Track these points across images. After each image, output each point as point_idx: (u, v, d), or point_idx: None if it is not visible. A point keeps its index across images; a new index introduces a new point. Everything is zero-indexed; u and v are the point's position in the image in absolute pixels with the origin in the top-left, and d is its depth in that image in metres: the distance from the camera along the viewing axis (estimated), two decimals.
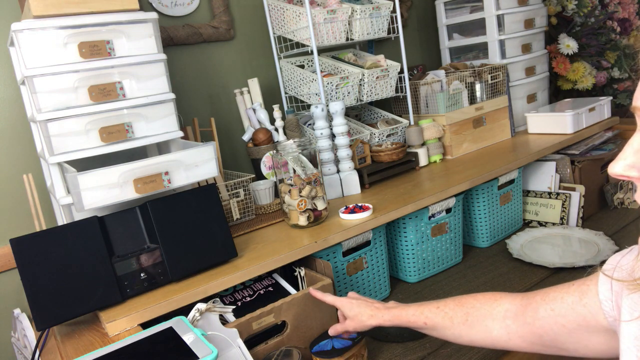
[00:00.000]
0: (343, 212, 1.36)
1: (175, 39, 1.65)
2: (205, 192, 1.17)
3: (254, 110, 1.67)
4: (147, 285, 1.09)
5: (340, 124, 1.56)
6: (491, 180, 1.62)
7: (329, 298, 1.06)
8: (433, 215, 1.49)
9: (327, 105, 1.56)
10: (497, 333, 0.80)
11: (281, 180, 1.36)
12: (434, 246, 1.50)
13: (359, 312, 0.99)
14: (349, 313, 1.01)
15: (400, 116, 1.89)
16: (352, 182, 1.58)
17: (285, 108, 1.82)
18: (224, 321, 1.08)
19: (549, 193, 1.77)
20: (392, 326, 0.96)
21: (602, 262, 0.68)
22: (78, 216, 1.13)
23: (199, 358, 0.82)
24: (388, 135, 1.79)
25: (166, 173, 1.12)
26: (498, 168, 1.61)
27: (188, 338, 0.89)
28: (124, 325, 1.00)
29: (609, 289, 0.65)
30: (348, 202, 1.49)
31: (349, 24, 1.71)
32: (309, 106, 1.76)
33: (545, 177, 1.81)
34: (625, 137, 2.05)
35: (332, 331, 1.05)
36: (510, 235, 1.69)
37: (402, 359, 1.13)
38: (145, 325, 1.00)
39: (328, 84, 1.63)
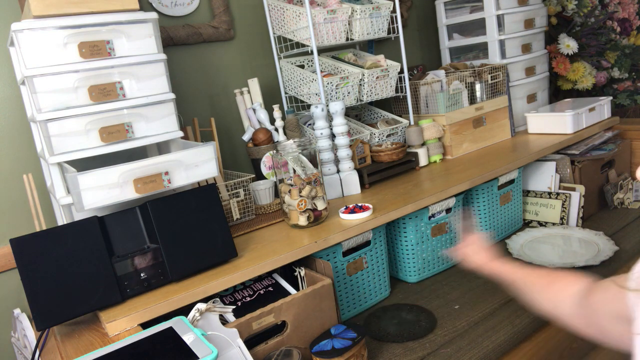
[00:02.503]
0: (343, 212, 1.36)
1: (175, 39, 1.65)
2: (205, 192, 1.17)
3: (254, 110, 1.67)
4: (147, 285, 1.09)
5: (340, 124, 1.56)
6: (491, 180, 1.62)
7: (471, 238, 1.16)
8: (433, 215, 1.49)
9: (327, 105, 1.56)
10: (568, 311, 0.86)
11: (281, 180, 1.36)
12: (434, 246, 1.50)
13: (489, 256, 1.09)
14: (482, 239, 1.13)
15: (400, 116, 1.89)
16: (352, 182, 1.58)
17: (285, 108, 1.82)
18: (224, 321, 1.08)
19: (549, 193, 1.77)
20: (495, 277, 1.06)
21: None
22: (78, 216, 1.13)
23: (199, 358, 0.82)
24: (388, 135, 1.79)
25: (166, 173, 1.12)
26: (498, 168, 1.61)
27: (188, 338, 0.89)
28: (124, 325, 1.00)
29: (633, 297, 0.69)
30: (348, 202, 1.49)
31: (349, 24, 1.71)
32: (309, 106, 1.76)
33: (545, 177, 1.81)
34: (625, 137, 2.05)
35: (462, 255, 1.15)
36: (510, 235, 1.69)
37: (402, 359, 1.13)
38: (145, 325, 1.00)
39: (328, 84, 1.63)
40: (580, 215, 1.71)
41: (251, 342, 1.06)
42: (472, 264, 1.12)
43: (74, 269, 1.01)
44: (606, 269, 1.42)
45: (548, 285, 0.91)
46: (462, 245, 1.17)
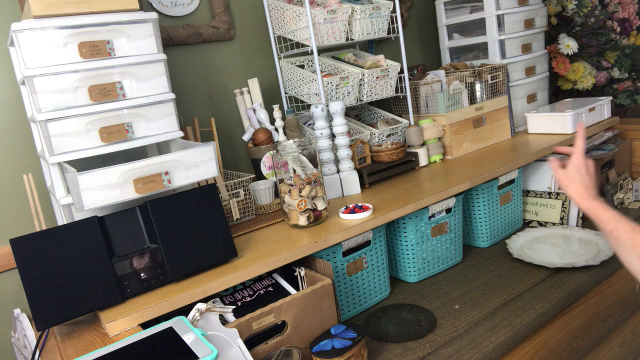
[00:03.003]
0: (343, 212, 1.36)
1: (175, 39, 1.65)
2: (205, 192, 1.17)
3: (254, 110, 1.67)
4: (147, 285, 1.09)
5: (340, 124, 1.56)
6: (491, 180, 1.62)
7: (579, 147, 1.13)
8: (433, 215, 1.49)
9: (327, 105, 1.56)
10: None
11: (281, 180, 1.36)
12: (434, 246, 1.50)
13: (585, 185, 1.08)
14: (584, 177, 1.09)
15: (400, 116, 1.89)
16: (352, 182, 1.58)
17: (285, 108, 1.82)
18: (224, 321, 1.08)
19: (549, 193, 1.77)
20: (584, 213, 1.07)
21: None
22: (78, 216, 1.13)
23: (199, 358, 0.82)
24: (388, 135, 1.79)
25: (166, 173, 1.12)
26: (498, 168, 1.61)
27: (188, 338, 0.89)
28: (124, 325, 1.00)
29: None
30: (348, 202, 1.49)
31: (349, 24, 1.71)
32: (309, 106, 1.76)
33: (545, 177, 1.81)
34: (625, 137, 2.05)
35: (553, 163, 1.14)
36: (510, 235, 1.69)
37: (402, 359, 1.13)
38: (145, 325, 1.00)
39: (328, 84, 1.63)
40: (580, 215, 1.71)
41: (251, 342, 1.06)
42: (568, 194, 1.10)
43: (74, 269, 1.01)
44: (606, 269, 1.42)
45: (635, 246, 0.91)
46: (565, 166, 1.13)
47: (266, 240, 1.30)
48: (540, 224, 1.77)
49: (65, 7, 1.09)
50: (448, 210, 1.52)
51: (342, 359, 1.02)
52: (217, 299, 1.10)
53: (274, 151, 1.41)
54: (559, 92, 2.34)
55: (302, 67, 1.85)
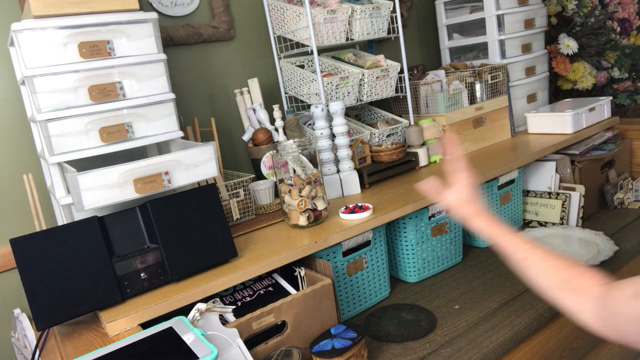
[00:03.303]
0: (343, 212, 1.36)
1: (175, 39, 1.65)
2: (205, 192, 1.17)
3: (254, 110, 1.67)
4: (147, 285, 1.09)
5: (340, 124, 1.56)
6: (491, 180, 1.62)
7: (458, 152, 0.99)
8: (433, 215, 1.49)
9: (327, 105, 1.56)
10: (584, 308, 0.81)
11: (281, 180, 1.36)
12: (434, 246, 1.50)
13: (472, 201, 0.95)
14: (463, 190, 0.96)
15: (400, 116, 1.89)
16: (352, 182, 1.58)
17: (285, 108, 1.82)
18: (224, 321, 1.08)
19: (549, 193, 1.77)
20: (485, 238, 0.91)
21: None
22: (78, 216, 1.13)
23: (199, 358, 0.82)
24: (388, 135, 1.79)
25: (166, 173, 1.12)
26: (498, 168, 1.61)
27: (188, 338, 0.89)
28: (124, 325, 1.00)
29: None
30: (348, 202, 1.49)
31: (349, 24, 1.71)
32: (309, 106, 1.76)
33: (545, 177, 1.81)
34: (625, 137, 2.05)
35: (424, 185, 0.99)
36: None
37: (402, 359, 1.13)
38: (145, 325, 1.00)
39: (328, 84, 1.63)
40: (580, 215, 1.71)
41: (251, 342, 1.06)
42: (459, 217, 0.94)
43: (74, 269, 1.01)
44: (606, 269, 1.42)
45: (564, 286, 0.82)
46: (446, 190, 0.98)
47: (266, 240, 1.30)
48: (540, 224, 1.77)
49: (65, 7, 1.09)
50: None
51: (342, 359, 1.02)
52: (217, 299, 1.10)
53: (274, 151, 1.41)
54: (559, 92, 2.34)
55: (302, 67, 1.85)
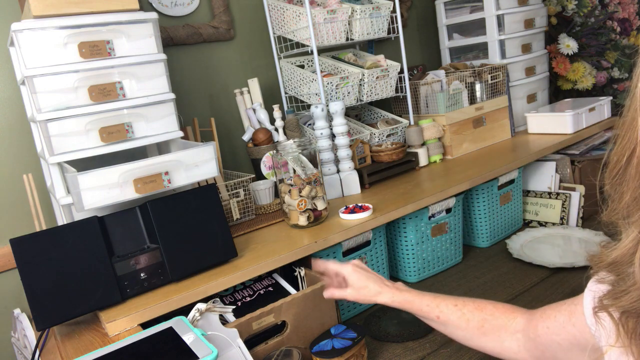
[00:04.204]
0: (343, 212, 1.36)
1: (175, 39, 1.65)
2: (205, 192, 1.17)
3: (254, 110, 1.67)
4: (147, 285, 1.09)
5: (340, 124, 1.56)
6: (491, 180, 1.62)
7: (332, 265, 1.02)
8: (433, 215, 1.49)
9: (327, 105, 1.56)
10: (508, 345, 0.81)
11: (281, 180, 1.36)
12: (434, 246, 1.50)
13: (367, 286, 0.95)
14: (355, 283, 0.97)
15: (400, 116, 1.89)
16: (352, 182, 1.58)
17: (285, 108, 1.82)
18: (224, 321, 1.08)
19: (549, 193, 1.77)
20: (399, 309, 0.93)
21: (587, 278, 0.67)
22: (78, 216, 1.13)
23: (199, 358, 0.82)
24: (388, 135, 1.79)
25: (166, 173, 1.12)
26: (498, 168, 1.61)
27: (188, 338, 0.89)
28: (124, 325, 1.00)
29: (591, 314, 0.65)
30: (348, 202, 1.49)
31: (349, 24, 1.71)
32: (309, 106, 1.76)
33: (545, 177, 1.81)
34: None
35: (327, 294, 1.00)
36: (510, 235, 1.69)
37: (402, 359, 1.13)
38: (145, 325, 1.00)
39: (328, 84, 1.63)
40: (580, 215, 1.71)
41: (251, 342, 1.06)
42: (373, 300, 0.96)
43: (74, 269, 1.01)
44: None
45: (480, 331, 0.82)
46: (343, 284, 1.00)
47: (266, 240, 1.30)
48: (540, 224, 1.77)
49: (65, 7, 1.09)
50: (448, 210, 1.52)
51: (342, 359, 1.02)
52: (217, 299, 1.10)
53: (274, 151, 1.41)
54: (559, 92, 2.34)
55: (302, 67, 1.85)
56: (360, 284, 0.97)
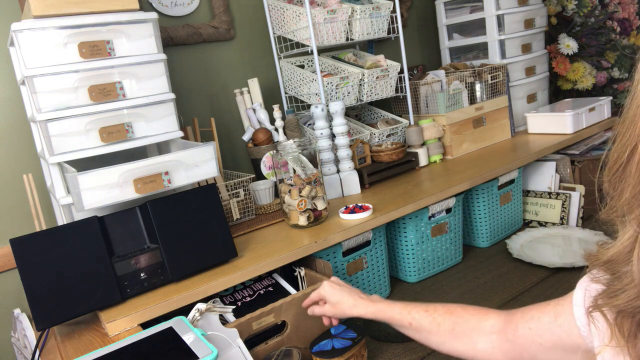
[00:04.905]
0: (343, 212, 1.36)
1: (175, 39, 1.65)
2: (205, 192, 1.17)
3: (254, 110, 1.67)
4: (147, 285, 1.09)
5: (340, 124, 1.56)
6: (491, 180, 1.62)
7: (313, 294, 1.05)
8: (433, 215, 1.49)
9: (327, 105, 1.56)
10: (482, 346, 0.80)
11: (281, 180, 1.36)
12: (434, 246, 1.50)
13: (341, 300, 0.98)
14: (330, 298, 1.00)
15: (400, 116, 1.89)
16: (352, 182, 1.58)
17: (285, 108, 1.82)
18: (224, 321, 1.08)
19: (549, 193, 1.77)
20: (375, 319, 0.95)
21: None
22: (78, 216, 1.13)
23: (199, 358, 0.82)
24: (388, 135, 1.79)
25: (166, 173, 1.12)
26: (498, 168, 1.61)
27: (188, 338, 0.89)
28: (124, 325, 1.00)
29: (583, 314, 0.64)
30: (348, 202, 1.49)
31: (349, 24, 1.71)
32: (309, 106, 1.76)
33: (545, 177, 1.81)
34: None
35: (310, 311, 1.04)
36: (510, 235, 1.69)
37: (402, 359, 1.13)
38: (145, 325, 1.00)
39: (328, 84, 1.63)
40: (580, 215, 1.71)
41: (251, 342, 1.06)
42: (350, 313, 0.98)
43: (74, 269, 1.01)
44: None
45: (452, 335, 0.82)
46: (321, 306, 1.03)
47: (266, 240, 1.30)
48: (540, 224, 1.77)
49: (65, 7, 1.09)
50: (448, 210, 1.52)
51: (342, 359, 1.02)
52: (217, 299, 1.10)
53: (274, 151, 1.41)
54: (559, 92, 2.34)
55: (302, 67, 1.85)
56: (335, 299, 1.00)
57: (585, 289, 0.64)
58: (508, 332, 0.76)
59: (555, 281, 1.37)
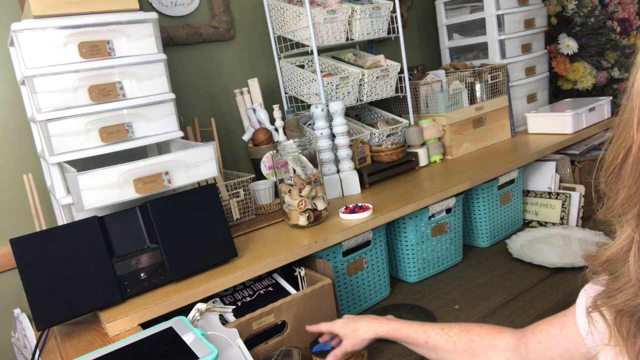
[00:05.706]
0: (343, 212, 1.36)
1: (175, 39, 1.65)
2: (205, 192, 1.17)
3: (254, 110, 1.67)
4: (147, 285, 1.09)
5: (340, 124, 1.56)
6: (491, 180, 1.62)
7: (324, 326, 1.04)
8: (433, 215, 1.49)
9: (327, 105, 1.56)
10: None
11: (281, 180, 1.36)
12: (434, 246, 1.50)
13: (356, 327, 0.98)
14: (344, 331, 0.99)
15: (400, 116, 1.89)
16: (352, 182, 1.58)
17: (285, 108, 1.82)
18: (224, 321, 1.08)
19: (549, 193, 1.77)
20: (390, 339, 0.95)
21: (582, 277, 0.67)
22: (78, 216, 1.13)
23: (199, 358, 0.82)
24: (388, 135, 1.79)
25: (166, 173, 1.12)
26: (498, 168, 1.61)
27: (188, 338, 0.89)
28: (124, 325, 1.00)
29: (585, 323, 0.66)
30: (348, 202, 1.49)
31: (349, 24, 1.71)
32: (309, 106, 1.76)
33: (545, 177, 1.81)
34: None
35: (331, 358, 0.99)
36: (510, 235, 1.69)
37: (402, 359, 1.13)
38: (145, 325, 1.00)
39: (328, 84, 1.63)
40: (580, 215, 1.71)
41: (251, 342, 1.06)
42: (366, 337, 0.97)
43: (74, 269, 1.01)
44: None
45: (468, 352, 0.83)
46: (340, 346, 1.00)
47: (266, 240, 1.30)
48: (540, 224, 1.77)
49: (65, 7, 1.09)
50: (448, 210, 1.52)
51: (342, 359, 1.02)
52: (217, 299, 1.10)
53: (274, 151, 1.41)
54: (559, 92, 2.34)
55: (302, 67, 1.85)
56: (349, 329, 0.98)
57: (588, 291, 0.65)
58: (521, 349, 0.77)
59: (555, 281, 1.37)
